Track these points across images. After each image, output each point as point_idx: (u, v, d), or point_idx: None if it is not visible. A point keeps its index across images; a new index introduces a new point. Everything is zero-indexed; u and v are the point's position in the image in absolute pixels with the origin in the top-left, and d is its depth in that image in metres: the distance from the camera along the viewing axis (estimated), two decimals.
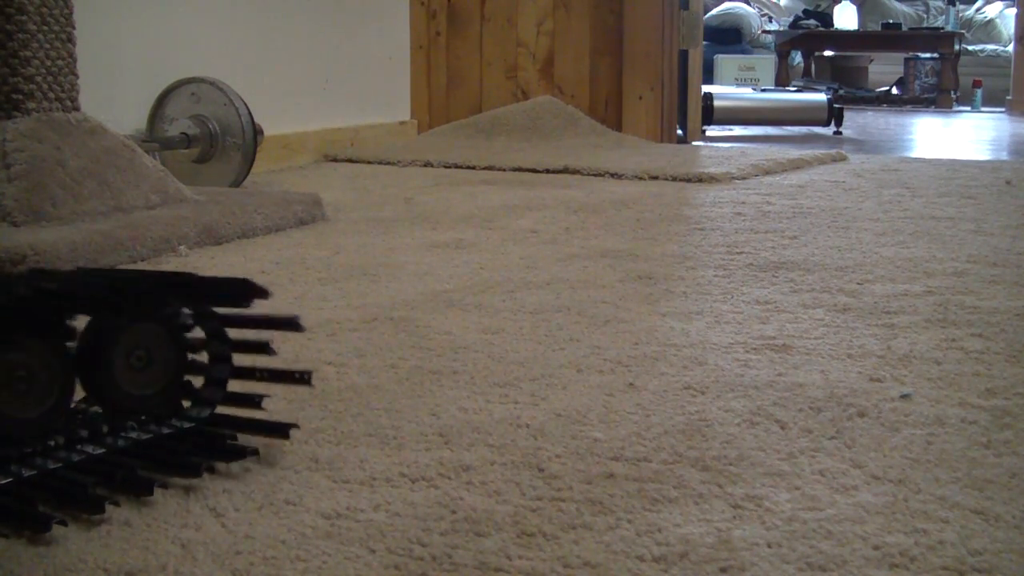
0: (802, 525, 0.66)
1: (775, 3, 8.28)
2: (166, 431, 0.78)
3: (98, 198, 1.59)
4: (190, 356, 0.81)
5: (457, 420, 0.85)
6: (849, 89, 7.03)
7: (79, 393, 0.75)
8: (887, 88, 7.31)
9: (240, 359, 0.83)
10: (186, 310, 0.80)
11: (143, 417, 0.78)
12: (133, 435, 0.76)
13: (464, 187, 2.28)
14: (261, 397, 0.82)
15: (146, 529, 0.66)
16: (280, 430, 0.79)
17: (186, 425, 0.79)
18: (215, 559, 0.62)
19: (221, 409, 0.81)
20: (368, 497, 0.70)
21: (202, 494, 0.71)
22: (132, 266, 1.44)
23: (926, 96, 6.83)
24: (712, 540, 0.64)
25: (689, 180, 2.40)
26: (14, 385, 0.70)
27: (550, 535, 0.65)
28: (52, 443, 0.72)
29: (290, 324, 0.82)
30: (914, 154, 3.39)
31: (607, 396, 0.91)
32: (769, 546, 0.63)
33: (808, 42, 7.27)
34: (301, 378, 0.82)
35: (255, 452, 0.77)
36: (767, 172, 2.57)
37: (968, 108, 6.21)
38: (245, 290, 0.79)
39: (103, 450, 0.73)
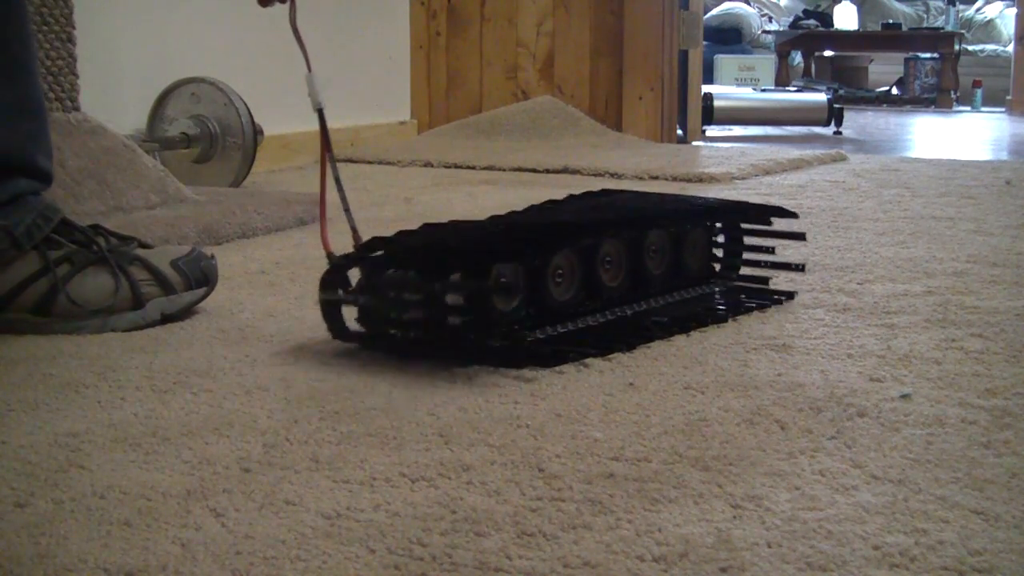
0: (802, 525, 0.66)
1: (775, 3, 8.28)
2: (707, 291, 1.23)
3: (98, 198, 1.59)
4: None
5: (457, 420, 0.85)
6: (849, 89, 7.04)
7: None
8: (887, 88, 7.31)
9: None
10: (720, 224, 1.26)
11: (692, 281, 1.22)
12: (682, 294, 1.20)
13: (464, 187, 2.29)
14: (768, 278, 1.28)
15: (146, 529, 0.66)
16: (785, 296, 1.23)
17: (720, 286, 1.25)
18: (215, 559, 0.62)
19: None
20: (368, 497, 0.70)
21: (202, 494, 0.71)
22: None
23: (926, 96, 6.84)
24: (712, 540, 0.64)
25: (689, 180, 2.40)
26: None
27: (550, 535, 0.65)
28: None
29: (797, 236, 1.29)
30: (914, 154, 3.39)
31: (607, 396, 0.91)
32: (769, 546, 0.63)
33: (808, 42, 7.27)
34: (797, 267, 1.30)
35: (779, 301, 1.21)
36: (767, 172, 2.57)
37: (968, 108, 6.21)
38: (767, 212, 1.27)
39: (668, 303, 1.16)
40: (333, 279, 1.02)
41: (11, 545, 0.64)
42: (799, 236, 1.30)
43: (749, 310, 1.18)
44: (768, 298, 1.22)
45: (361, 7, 2.94)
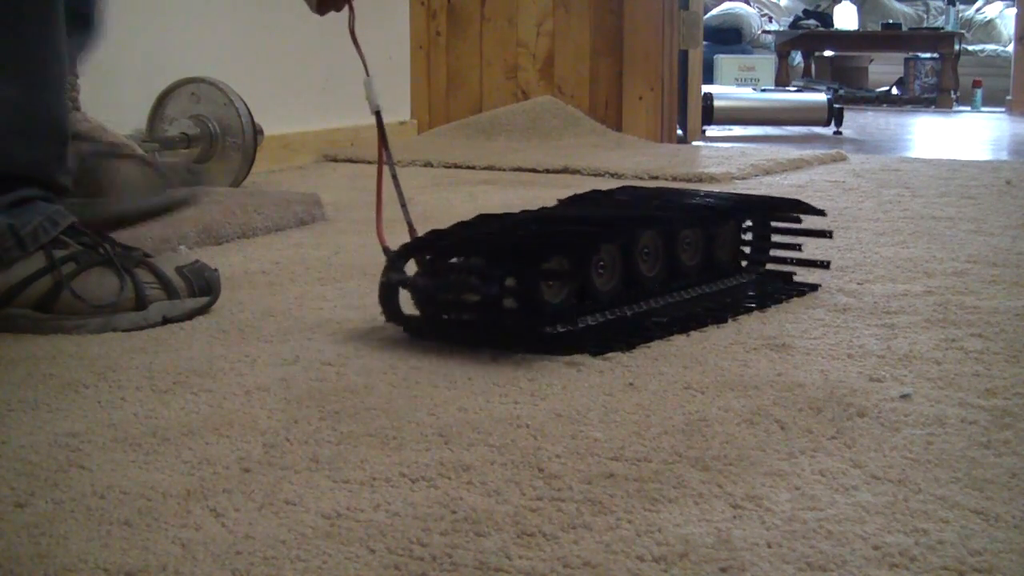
0: (802, 525, 0.66)
1: (775, 3, 8.28)
2: (735, 282, 1.27)
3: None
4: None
5: (457, 420, 0.85)
6: (849, 89, 7.03)
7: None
8: (887, 88, 7.31)
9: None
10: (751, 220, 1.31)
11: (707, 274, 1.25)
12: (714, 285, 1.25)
13: (464, 187, 2.29)
14: (792, 273, 1.30)
15: (146, 529, 0.66)
16: (808, 288, 1.28)
17: (747, 278, 1.29)
18: (215, 559, 0.62)
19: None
20: (368, 497, 0.70)
21: (202, 494, 0.71)
22: None
23: (926, 96, 6.84)
24: (712, 540, 0.64)
25: (689, 180, 2.40)
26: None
27: (550, 535, 0.65)
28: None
29: (822, 234, 1.30)
30: (914, 154, 3.39)
31: (607, 396, 0.91)
32: (769, 546, 0.63)
33: (808, 42, 7.27)
34: (821, 264, 1.32)
35: (803, 293, 1.26)
36: (767, 172, 2.57)
37: (968, 108, 6.21)
38: (796, 207, 1.30)
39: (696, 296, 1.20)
40: (394, 264, 1.07)
41: (11, 545, 0.64)
42: (826, 234, 1.31)
43: (778, 301, 1.22)
44: (794, 290, 1.27)
45: (361, 7, 2.94)
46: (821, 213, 1.31)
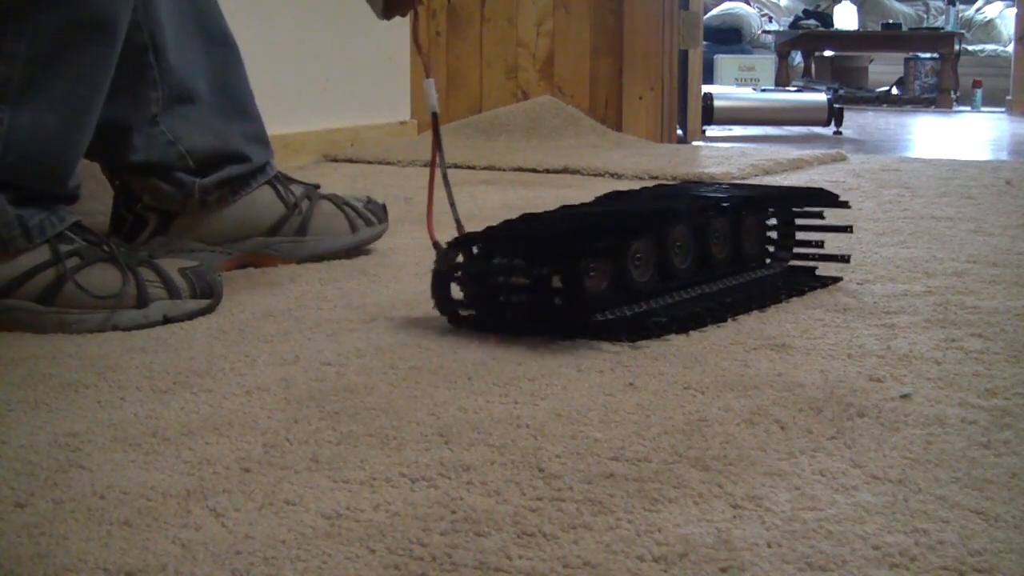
0: (802, 525, 0.66)
1: (775, 3, 8.28)
2: (763, 273, 1.32)
3: (98, 198, 1.59)
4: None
5: (457, 420, 0.85)
6: (849, 89, 7.03)
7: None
8: (887, 88, 7.31)
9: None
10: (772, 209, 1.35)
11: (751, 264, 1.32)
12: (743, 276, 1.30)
13: (464, 187, 2.28)
14: (815, 267, 1.35)
15: (146, 529, 0.66)
16: (831, 281, 1.32)
17: (773, 271, 1.34)
18: (215, 559, 0.62)
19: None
20: (368, 497, 0.70)
21: (202, 494, 0.71)
22: None
23: (926, 96, 6.84)
24: (712, 540, 0.64)
25: (689, 180, 2.40)
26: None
27: (550, 535, 0.65)
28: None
29: (843, 229, 1.37)
30: (914, 154, 3.39)
31: (607, 396, 0.91)
32: (769, 546, 0.63)
33: (808, 42, 7.27)
34: (842, 258, 1.36)
35: (826, 284, 1.31)
36: (767, 172, 2.57)
37: (968, 108, 6.21)
38: (820, 198, 1.35)
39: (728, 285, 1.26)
40: (448, 255, 1.12)
41: (11, 545, 0.64)
42: (846, 229, 1.37)
43: (802, 292, 1.27)
44: (818, 282, 1.32)
45: (361, 7, 2.94)
46: (845, 205, 1.35)
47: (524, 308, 1.08)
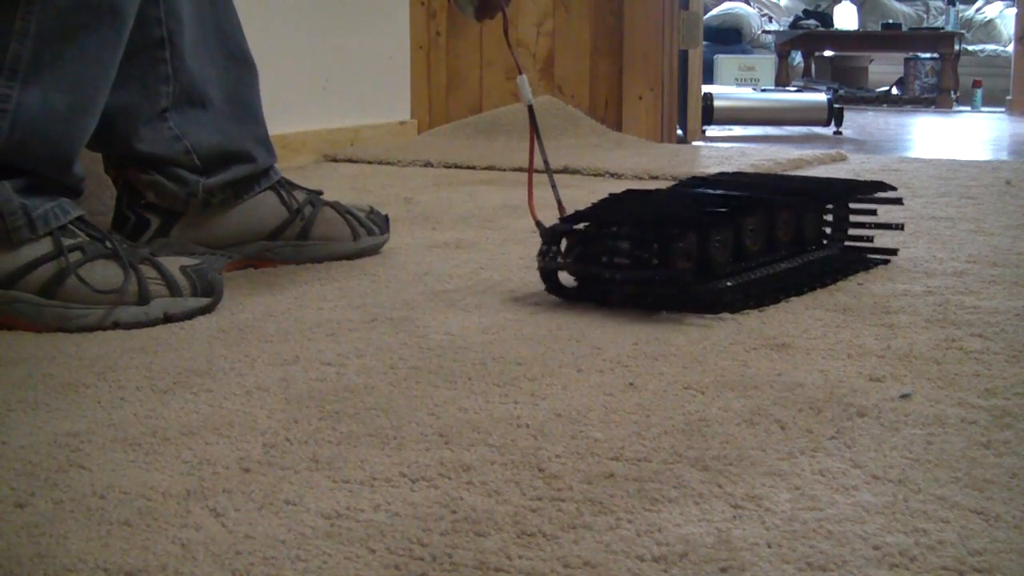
0: (802, 525, 0.66)
1: (775, 3, 8.28)
2: (823, 254, 1.42)
3: (97, 198, 1.59)
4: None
5: (457, 420, 0.85)
6: (849, 89, 7.03)
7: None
8: (887, 88, 7.31)
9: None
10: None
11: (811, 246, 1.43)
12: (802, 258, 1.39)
13: (464, 187, 2.28)
14: (871, 238, 1.47)
15: (146, 529, 0.66)
16: (888, 254, 1.47)
17: (830, 252, 1.44)
18: (215, 559, 0.62)
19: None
20: (368, 497, 0.70)
21: (202, 494, 0.71)
22: None
23: (926, 96, 6.84)
24: (712, 540, 0.64)
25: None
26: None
27: (550, 535, 0.65)
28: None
29: (895, 200, 1.48)
30: (914, 154, 3.39)
31: (607, 396, 0.91)
32: (769, 546, 0.63)
33: (808, 42, 7.27)
34: (896, 227, 1.50)
35: (875, 264, 1.43)
36: (767, 172, 2.57)
37: (968, 108, 6.21)
38: (873, 187, 1.49)
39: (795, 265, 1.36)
40: (552, 239, 1.24)
41: (11, 545, 0.64)
42: (897, 201, 1.49)
43: (858, 270, 1.39)
44: (871, 261, 1.44)
45: (361, 7, 2.94)
46: (899, 202, 1.48)
47: (641, 285, 1.18)
